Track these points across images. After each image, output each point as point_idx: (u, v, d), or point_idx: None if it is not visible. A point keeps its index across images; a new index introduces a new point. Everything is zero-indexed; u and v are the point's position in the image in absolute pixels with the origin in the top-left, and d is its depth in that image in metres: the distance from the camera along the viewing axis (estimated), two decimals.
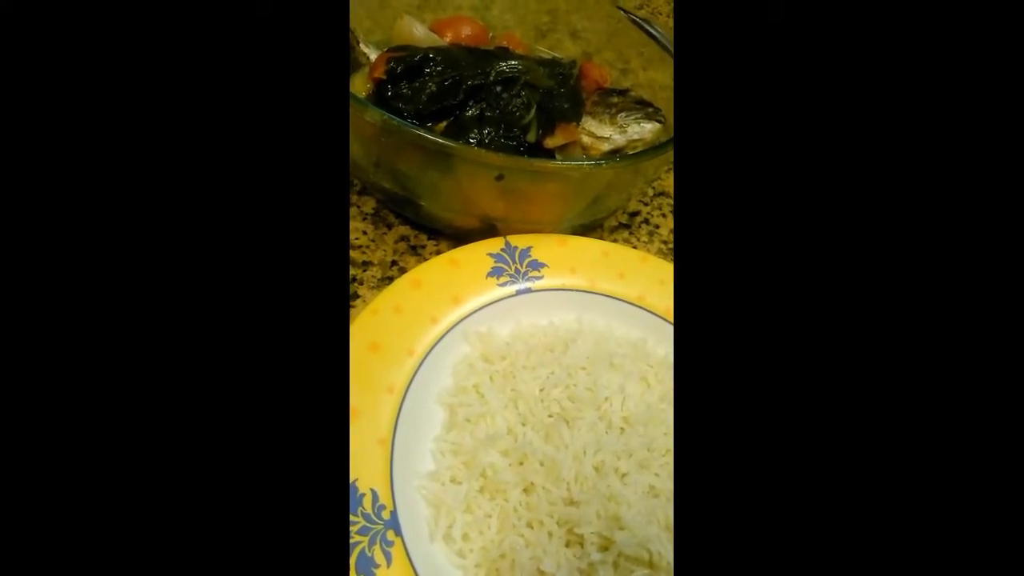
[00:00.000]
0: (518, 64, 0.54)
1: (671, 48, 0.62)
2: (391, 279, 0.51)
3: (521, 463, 0.40)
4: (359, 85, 0.55)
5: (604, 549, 0.37)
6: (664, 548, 0.37)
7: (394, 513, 0.36)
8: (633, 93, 0.60)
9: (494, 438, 0.40)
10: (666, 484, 0.40)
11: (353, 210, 0.57)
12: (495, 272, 0.49)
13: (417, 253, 0.55)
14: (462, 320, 0.46)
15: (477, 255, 0.50)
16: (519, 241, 0.51)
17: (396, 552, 0.35)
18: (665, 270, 0.53)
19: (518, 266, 0.50)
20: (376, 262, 0.54)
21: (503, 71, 0.53)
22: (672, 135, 0.51)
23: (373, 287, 0.52)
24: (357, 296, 0.51)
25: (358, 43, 0.58)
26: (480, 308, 0.47)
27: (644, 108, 0.58)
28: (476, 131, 0.51)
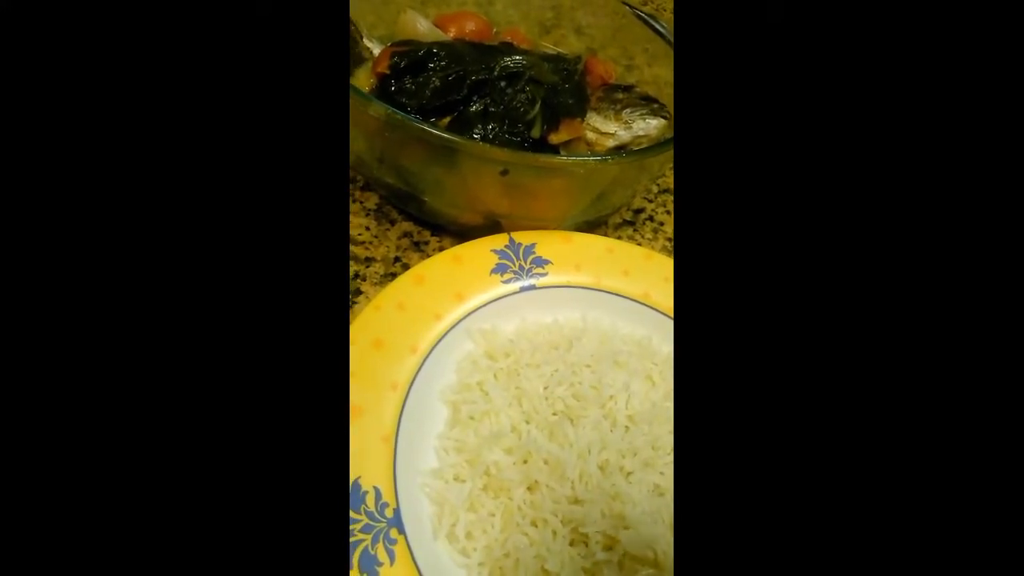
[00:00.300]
0: (522, 59, 0.54)
1: None
2: (394, 275, 0.51)
3: (525, 461, 0.39)
4: (362, 80, 0.55)
5: (609, 548, 0.37)
6: (669, 548, 0.36)
7: (397, 511, 0.36)
8: (638, 89, 0.59)
9: (498, 436, 0.40)
10: (671, 483, 0.39)
11: (356, 206, 0.56)
12: (499, 269, 0.49)
13: (420, 249, 0.55)
14: (466, 317, 0.46)
15: (481, 251, 0.49)
16: (523, 238, 0.51)
17: (399, 550, 0.34)
18: (670, 267, 0.53)
19: (522, 263, 0.50)
20: (379, 258, 0.53)
21: (507, 66, 0.53)
22: None
23: (376, 283, 0.51)
24: (360, 292, 0.51)
25: (361, 38, 0.58)
26: (484, 305, 0.47)
27: (649, 104, 0.58)
28: (480, 127, 0.50)
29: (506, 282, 0.48)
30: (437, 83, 0.51)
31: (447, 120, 0.52)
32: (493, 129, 0.50)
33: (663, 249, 0.62)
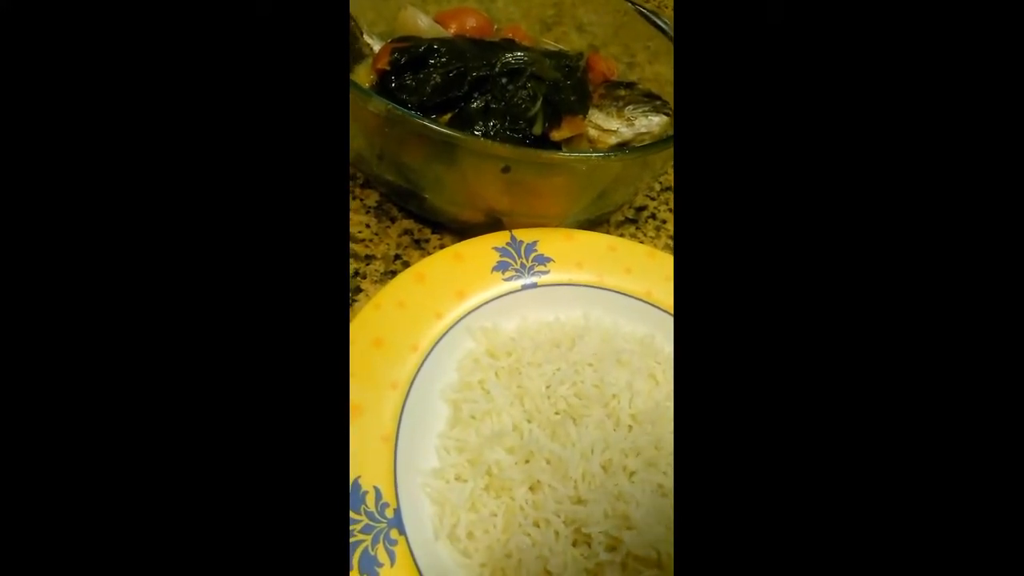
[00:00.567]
0: (524, 56, 0.53)
1: None
2: (394, 273, 0.50)
3: (527, 461, 0.39)
4: (362, 77, 0.54)
5: (612, 549, 0.36)
6: (673, 548, 0.36)
7: (398, 511, 0.35)
8: (641, 86, 0.59)
9: (500, 435, 0.40)
10: None
11: (356, 203, 0.56)
12: (500, 267, 0.48)
13: (421, 247, 0.55)
14: (467, 315, 0.46)
15: (482, 249, 0.49)
16: (525, 235, 0.50)
17: (400, 551, 0.34)
18: (672, 265, 0.52)
19: (524, 260, 0.49)
20: (379, 256, 0.53)
21: (509, 63, 0.52)
22: None
23: (376, 281, 0.51)
24: (360, 290, 0.50)
25: (361, 34, 0.57)
26: (485, 303, 0.47)
27: (652, 101, 0.57)
28: (481, 123, 0.50)
29: (507, 280, 0.48)
30: (438, 79, 0.51)
31: (448, 117, 0.51)
32: (494, 126, 0.50)
33: (666, 247, 0.61)
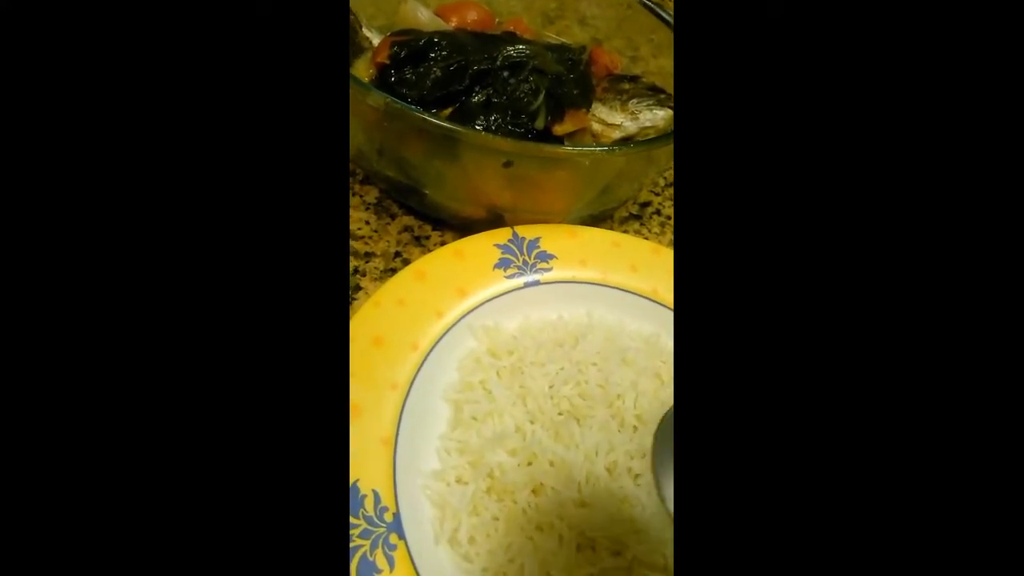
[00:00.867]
0: (526, 49, 0.52)
1: None
2: (394, 271, 0.49)
3: (530, 463, 0.38)
4: (362, 71, 0.53)
5: (617, 554, 0.36)
6: None
7: (397, 515, 0.34)
8: (644, 79, 0.58)
9: (502, 437, 0.39)
10: None
11: (356, 200, 0.55)
12: (502, 264, 0.47)
13: (421, 244, 0.54)
14: (468, 313, 0.45)
15: (484, 246, 0.48)
16: (527, 232, 0.49)
17: (399, 556, 0.33)
18: None
19: (526, 258, 0.48)
20: (379, 253, 0.52)
21: (510, 56, 0.52)
22: None
23: (376, 279, 0.50)
24: (359, 288, 0.49)
25: (361, 28, 0.56)
26: (487, 301, 0.46)
27: (656, 95, 0.56)
28: (483, 117, 0.49)
29: (509, 277, 0.47)
30: (438, 73, 0.50)
31: (448, 111, 0.50)
32: (496, 120, 0.49)
33: (671, 243, 0.60)
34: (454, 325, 0.44)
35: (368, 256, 0.52)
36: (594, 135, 0.55)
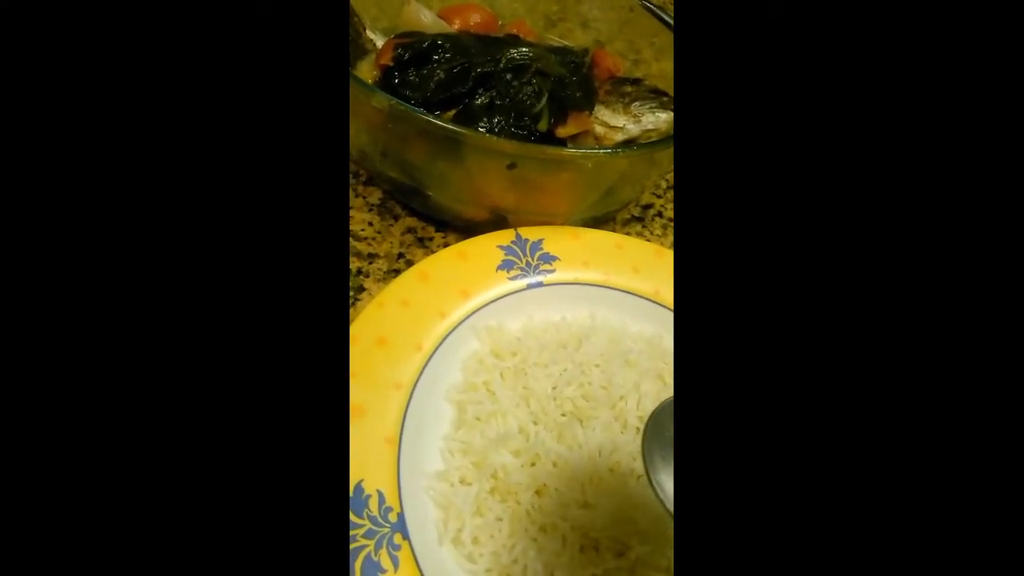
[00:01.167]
0: (529, 51, 0.53)
1: None
2: (398, 272, 0.49)
3: (533, 464, 0.38)
4: (365, 73, 0.53)
5: (620, 555, 0.36)
6: None
7: (401, 515, 0.35)
8: (647, 82, 0.58)
9: (505, 437, 0.39)
10: None
11: (359, 201, 0.55)
12: (505, 265, 0.48)
13: (425, 245, 0.54)
14: (471, 314, 0.45)
15: (487, 248, 0.48)
16: (530, 233, 0.50)
17: (403, 556, 0.33)
18: None
19: (529, 259, 0.49)
20: (382, 254, 0.52)
21: (514, 58, 0.52)
22: None
23: (379, 280, 0.50)
24: (363, 289, 0.49)
25: (364, 30, 0.57)
26: (490, 302, 0.46)
27: (659, 97, 0.57)
28: (486, 120, 0.49)
29: (513, 279, 0.47)
30: (441, 75, 0.50)
31: (452, 113, 0.50)
32: (499, 122, 0.49)
33: (672, 246, 0.60)
34: (458, 326, 0.44)
35: (372, 257, 0.52)
36: (597, 137, 0.55)
